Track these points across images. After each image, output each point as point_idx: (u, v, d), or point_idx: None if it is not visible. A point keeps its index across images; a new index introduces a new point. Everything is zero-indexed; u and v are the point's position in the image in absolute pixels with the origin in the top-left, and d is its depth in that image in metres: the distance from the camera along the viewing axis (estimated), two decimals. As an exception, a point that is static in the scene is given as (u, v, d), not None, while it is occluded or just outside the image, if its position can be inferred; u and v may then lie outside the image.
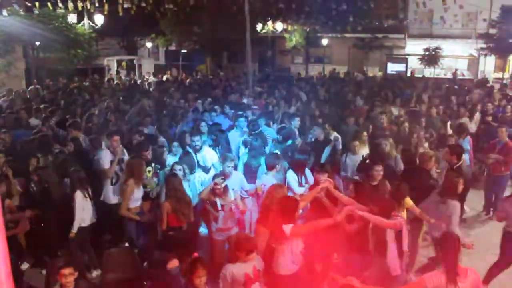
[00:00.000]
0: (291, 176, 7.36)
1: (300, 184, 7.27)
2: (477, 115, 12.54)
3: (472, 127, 11.86)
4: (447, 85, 19.49)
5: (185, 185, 6.95)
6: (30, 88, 19.68)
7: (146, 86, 21.96)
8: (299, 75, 26.56)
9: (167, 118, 11.34)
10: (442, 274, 4.07)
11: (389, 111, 12.38)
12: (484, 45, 27.79)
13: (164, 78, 25.22)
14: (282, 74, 26.97)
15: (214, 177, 6.62)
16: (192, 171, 7.54)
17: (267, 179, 7.12)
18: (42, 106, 13.09)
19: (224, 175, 6.74)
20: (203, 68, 33.68)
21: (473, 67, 31.78)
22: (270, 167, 7.30)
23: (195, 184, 7.42)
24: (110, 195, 7.58)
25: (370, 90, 17.86)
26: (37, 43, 22.40)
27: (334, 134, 9.69)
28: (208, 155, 8.17)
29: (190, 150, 8.10)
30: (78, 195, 6.72)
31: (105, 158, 7.70)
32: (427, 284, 4.07)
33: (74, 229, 6.60)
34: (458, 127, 10.21)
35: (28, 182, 7.48)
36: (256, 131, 9.26)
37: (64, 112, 12.45)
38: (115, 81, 23.78)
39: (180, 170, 7.02)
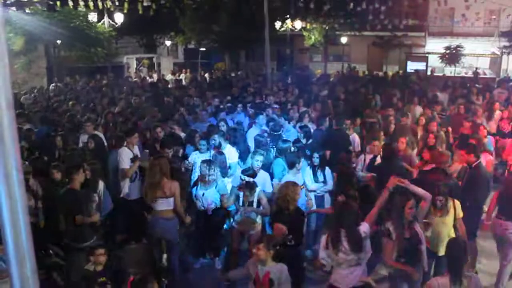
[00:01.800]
0: (307, 172, 7.46)
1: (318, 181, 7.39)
2: (497, 114, 12.34)
3: (492, 126, 11.68)
4: (468, 84, 19.21)
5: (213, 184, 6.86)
6: (52, 85, 20.02)
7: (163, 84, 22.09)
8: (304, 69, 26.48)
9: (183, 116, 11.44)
10: (446, 279, 4.11)
11: (409, 111, 12.30)
12: (507, 43, 27.31)
13: (182, 76, 25.35)
14: (303, 73, 26.78)
15: (242, 172, 6.68)
16: (224, 173, 7.44)
17: (288, 179, 6.88)
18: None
19: (253, 170, 6.77)
20: (222, 66, 33.75)
21: (495, 66, 31.27)
22: (290, 165, 7.26)
23: (225, 184, 7.23)
24: (131, 192, 7.64)
25: (388, 89, 17.69)
26: (58, 42, 22.71)
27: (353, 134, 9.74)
28: (229, 154, 8.14)
29: (224, 150, 8.09)
30: (101, 184, 6.85)
31: (125, 156, 7.75)
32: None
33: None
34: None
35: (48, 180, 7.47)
36: (278, 132, 9.24)
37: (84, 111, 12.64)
38: (134, 79, 24.01)
39: (208, 169, 6.73)
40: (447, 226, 5.93)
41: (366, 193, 6.17)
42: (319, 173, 7.51)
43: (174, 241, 6.50)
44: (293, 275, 4.90)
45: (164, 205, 6.22)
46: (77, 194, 6.15)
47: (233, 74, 26.51)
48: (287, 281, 4.63)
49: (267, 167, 7.69)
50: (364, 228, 4.72)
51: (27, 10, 19.73)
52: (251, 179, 6.51)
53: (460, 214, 6.06)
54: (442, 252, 5.58)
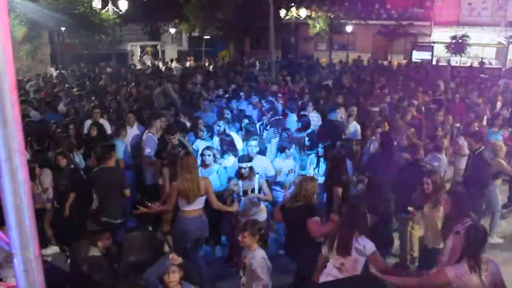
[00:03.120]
0: (311, 160, 7.74)
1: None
2: (499, 105, 12.33)
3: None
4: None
5: (215, 169, 6.92)
6: (55, 72, 20.02)
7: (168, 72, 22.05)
8: (317, 59, 26.33)
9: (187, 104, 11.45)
10: (465, 265, 3.99)
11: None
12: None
13: (187, 64, 25.28)
14: (309, 62, 26.67)
15: (239, 160, 6.63)
16: (235, 153, 7.50)
17: (279, 163, 7.41)
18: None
19: (248, 157, 6.72)
20: (226, 54, 33.66)
21: (501, 56, 31.02)
22: (281, 150, 7.53)
23: (226, 169, 7.26)
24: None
25: (393, 78, 17.60)
26: (63, 29, 22.68)
27: (353, 123, 9.69)
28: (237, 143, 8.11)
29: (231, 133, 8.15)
30: None
31: (150, 142, 7.92)
32: (448, 273, 4.02)
33: None
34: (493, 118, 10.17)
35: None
36: (275, 118, 9.25)
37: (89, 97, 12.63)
38: (138, 67, 23.98)
39: (209, 155, 6.87)
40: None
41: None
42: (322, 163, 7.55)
43: (204, 239, 6.37)
44: None
45: (199, 203, 5.97)
46: (118, 170, 6.87)
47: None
48: (260, 266, 4.63)
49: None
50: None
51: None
52: (249, 164, 6.47)
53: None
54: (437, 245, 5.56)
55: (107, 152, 6.66)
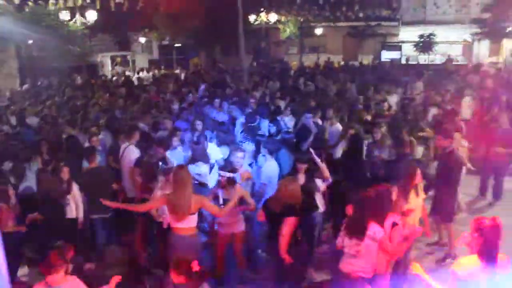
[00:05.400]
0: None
1: None
2: (467, 100, 12.57)
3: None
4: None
5: None
6: (25, 86, 19.68)
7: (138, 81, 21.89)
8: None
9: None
10: (478, 262, 3.91)
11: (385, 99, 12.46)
12: (478, 30, 27.76)
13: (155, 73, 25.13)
14: (282, 66, 26.81)
15: (220, 169, 6.56)
16: (205, 160, 7.52)
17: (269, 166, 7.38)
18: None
19: (232, 168, 6.59)
20: (197, 61, 33.56)
21: (467, 53, 31.76)
22: (271, 152, 7.51)
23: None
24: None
25: (364, 78, 17.86)
26: (30, 41, 22.27)
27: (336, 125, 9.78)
28: (212, 152, 8.09)
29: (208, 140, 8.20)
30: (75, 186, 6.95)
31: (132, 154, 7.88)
32: (457, 272, 3.97)
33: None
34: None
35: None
36: (253, 124, 9.29)
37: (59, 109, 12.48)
38: (113, 77, 23.73)
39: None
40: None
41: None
42: None
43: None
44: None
45: (190, 222, 5.57)
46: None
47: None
48: None
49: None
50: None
51: (-4, 10, 19.31)
52: (231, 175, 6.29)
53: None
54: None
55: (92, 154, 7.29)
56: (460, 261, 4.16)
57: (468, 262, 3.99)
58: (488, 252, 3.90)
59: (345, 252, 4.98)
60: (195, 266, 4.27)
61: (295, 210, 5.41)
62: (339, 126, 9.70)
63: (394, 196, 5.35)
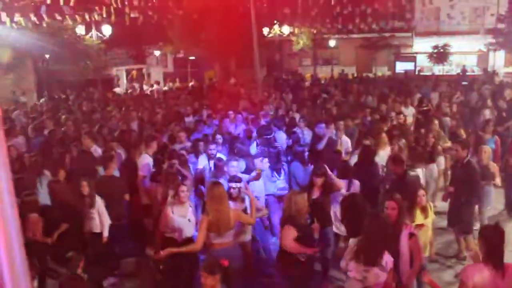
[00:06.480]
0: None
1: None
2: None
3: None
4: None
5: None
6: (42, 100, 19.94)
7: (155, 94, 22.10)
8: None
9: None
10: (485, 269, 3.89)
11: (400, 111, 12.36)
12: (493, 40, 27.60)
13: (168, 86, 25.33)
14: (296, 78, 26.87)
15: (229, 180, 6.60)
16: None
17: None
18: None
19: (237, 178, 6.62)
20: (212, 74, 33.75)
21: (482, 63, 31.54)
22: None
23: None
24: None
25: (380, 90, 17.80)
26: (47, 56, 22.63)
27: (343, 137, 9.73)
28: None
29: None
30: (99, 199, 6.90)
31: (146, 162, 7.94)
32: (467, 282, 3.93)
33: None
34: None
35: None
36: (269, 136, 9.22)
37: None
38: (129, 91, 24.00)
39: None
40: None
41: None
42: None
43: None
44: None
45: (229, 237, 5.61)
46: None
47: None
48: None
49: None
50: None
51: (14, 26, 19.65)
52: (240, 185, 6.38)
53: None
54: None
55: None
56: (466, 269, 4.15)
57: (474, 269, 3.98)
58: (493, 258, 3.91)
59: (350, 275, 4.69)
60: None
61: (295, 221, 5.41)
62: (346, 139, 9.70)
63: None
